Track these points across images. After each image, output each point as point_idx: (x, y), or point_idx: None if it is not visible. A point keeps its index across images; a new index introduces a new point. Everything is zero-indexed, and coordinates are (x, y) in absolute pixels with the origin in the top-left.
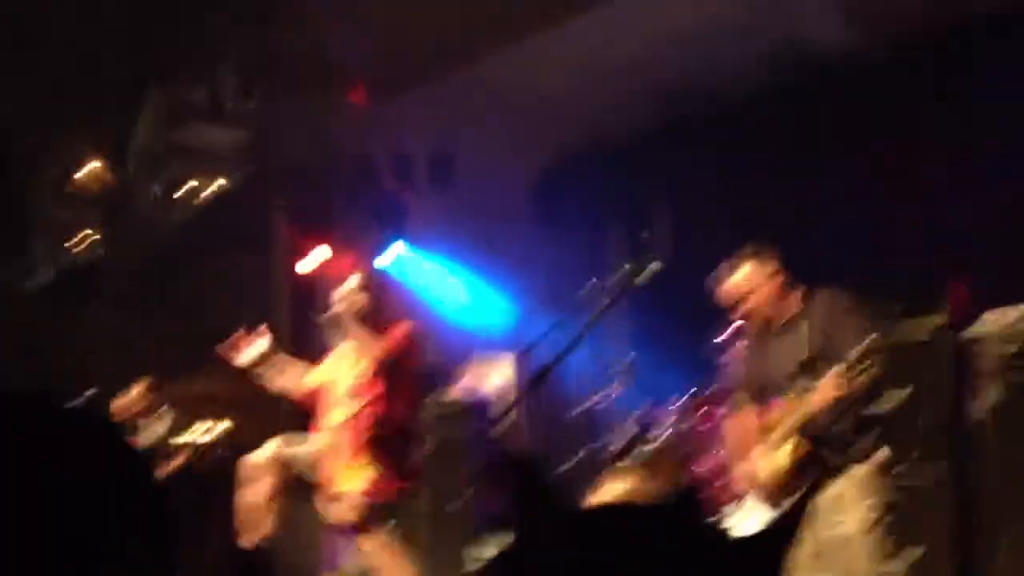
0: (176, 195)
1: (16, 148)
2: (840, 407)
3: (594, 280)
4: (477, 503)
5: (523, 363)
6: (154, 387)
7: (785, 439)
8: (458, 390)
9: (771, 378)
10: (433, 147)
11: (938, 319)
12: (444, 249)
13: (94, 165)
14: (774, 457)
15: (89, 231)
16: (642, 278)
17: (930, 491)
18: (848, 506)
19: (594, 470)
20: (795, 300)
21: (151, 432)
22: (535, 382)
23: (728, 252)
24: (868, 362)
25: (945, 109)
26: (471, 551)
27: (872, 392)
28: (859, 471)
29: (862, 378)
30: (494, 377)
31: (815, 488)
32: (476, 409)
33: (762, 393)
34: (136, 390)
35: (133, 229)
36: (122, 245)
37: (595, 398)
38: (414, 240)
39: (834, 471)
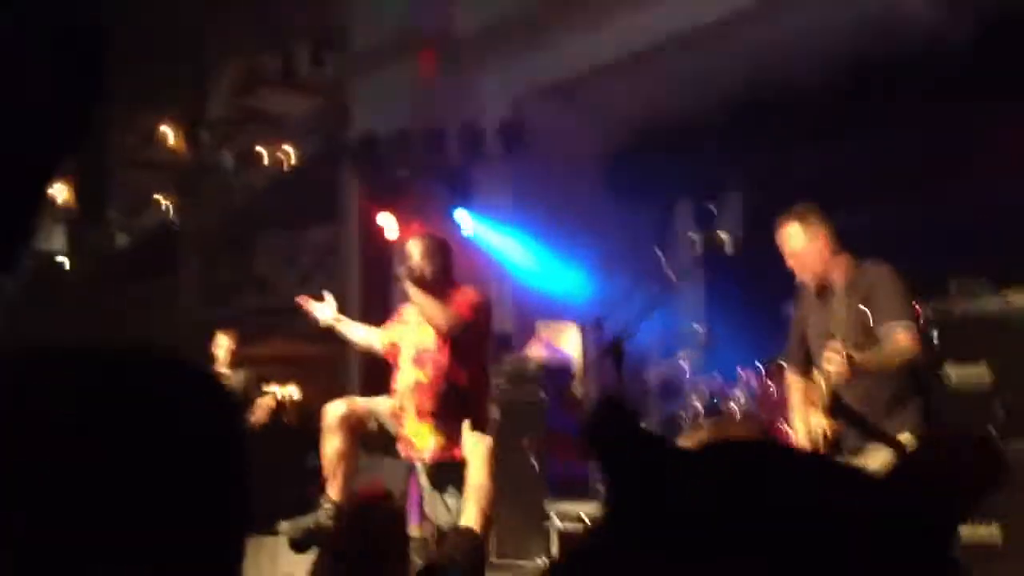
0: (249, 163)
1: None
2: (862, 386)
3: (663, 251)
4: (551, 464)
5: (592, 332)
6: (235, 342)
7: (816, 411)
8: (534, 352)
9: (813, 344)
10: (503, 117)
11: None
12: (512, 218)
13: (169, 133)
14: (809, 428)
15: (164, 199)
16: (715, 248)
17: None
18: None
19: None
20: (842, 266)
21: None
22: (611, 351)
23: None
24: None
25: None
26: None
27: (908, 370)
28: (880, 456)
29: (868, 359)
30: (561, 345)
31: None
32: (552, 371)
33: (807, 359)
34: (220, 341)
35: (208, 197)
36: (197, 213)
37: (667, 366)
38: (482, 209)
39: (855, 451)
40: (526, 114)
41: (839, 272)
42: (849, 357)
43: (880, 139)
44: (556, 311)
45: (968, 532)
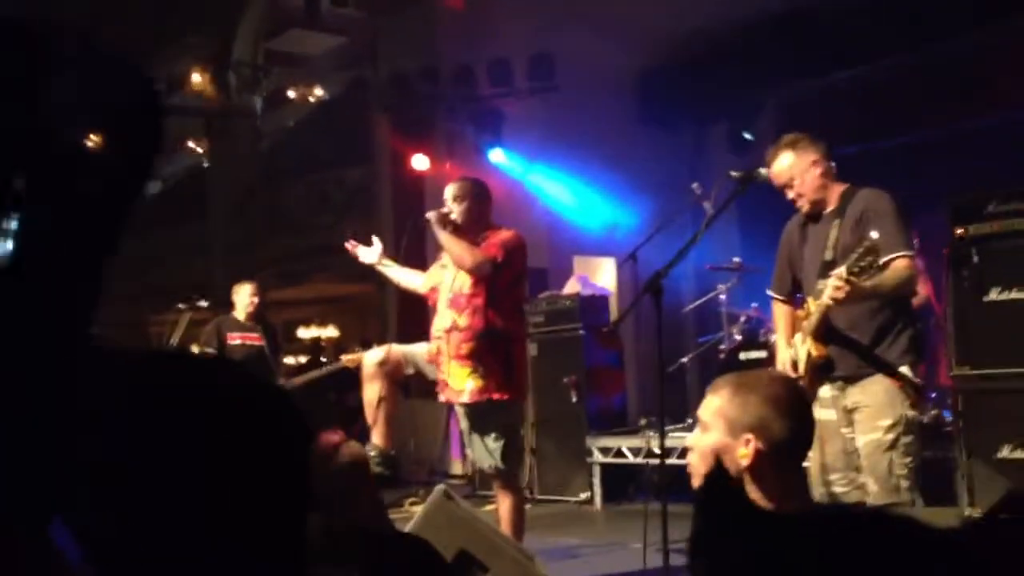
0: (278, 106)
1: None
2: (854, 313)
3: (696, 184)
4: (590, 400)
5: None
6: (259, 290)
7: (806, 338)
8: (571, 288)
9: (806, 270)
10: (532, 50)
11: None
12: (545, 153)
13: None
14: (801, 353)
15: (194, 144)
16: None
17: None
18: (864, 420)
19: (705, 368)
20: (837, 192)
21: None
22: (650, 286)
23: (834, 149)
24: (869, 262)
25: None
26: (587, 447)
27: (900, 300)
28: (879, 383)
29: (865, 281)
30: (597, 280)
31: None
32: (589, 306)
33: (792, 287)
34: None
35: (238, 141)
36: (227, 157)
37: (705, 299)
38: (515, 145)
39: (852, 379)
40: (554, 46)
41: (835, 198)
42: (849, 282)
43: (917, 60)
44: (591, 246)
45: None
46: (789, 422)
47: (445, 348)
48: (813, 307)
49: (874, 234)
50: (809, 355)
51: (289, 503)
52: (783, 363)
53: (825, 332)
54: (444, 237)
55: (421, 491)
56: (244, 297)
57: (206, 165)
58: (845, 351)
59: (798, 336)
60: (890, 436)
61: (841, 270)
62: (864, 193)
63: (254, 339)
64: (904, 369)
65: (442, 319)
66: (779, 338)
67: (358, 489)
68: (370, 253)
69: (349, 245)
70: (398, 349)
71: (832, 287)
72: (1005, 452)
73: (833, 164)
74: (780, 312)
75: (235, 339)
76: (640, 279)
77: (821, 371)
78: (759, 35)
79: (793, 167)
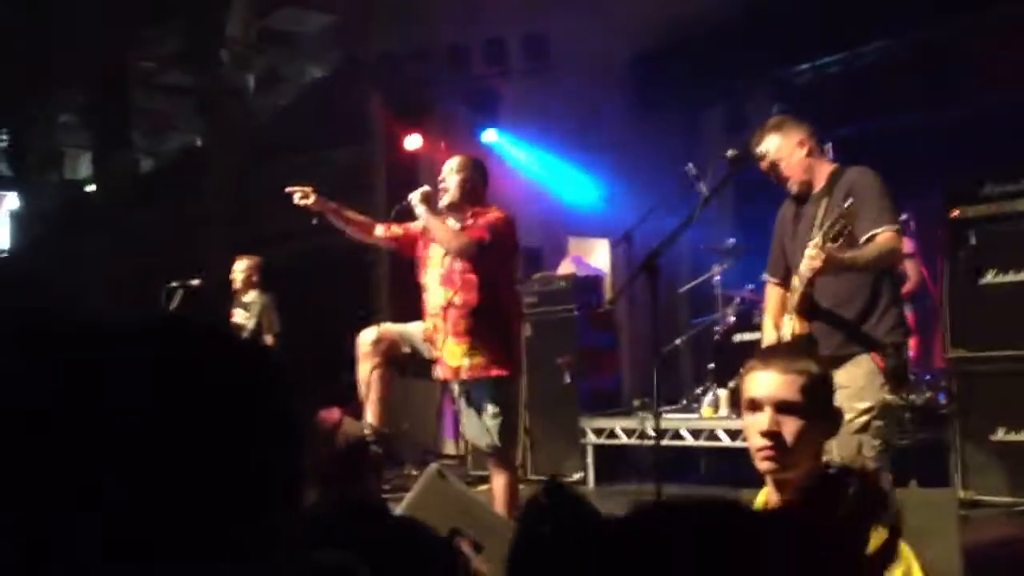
0: (271, 85)
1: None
2: (839, 289)
3: (691, 165)
4: (583, 380)
5: (622, 247)
6: (255, 266)
7: (790, 316)
8: (565, 268)
9: (796, 250)
10: (527, 30)
11: None
12: (539, 134)
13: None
14: (786, 332)
15: (188, 122)
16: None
17: None
18: (842, 401)
19: (699, 349)
20: (825, 172)
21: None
22: (644, 267)
23: (829, 132)
24: (843, 226)
25: None
26: (579, 428)
27: (884, 278)
28: (862, 366)
29: (844, 253)
30: (591, 260)
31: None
32: (583, 287)
33: (788, 271)
34: (238, 266)
35: (231, 120)
36: (221, 136)
37: (700, 280)
38: (509, 125)
39: (836, 360)
40: (549, 26)
41: (823, 178)
42: (825, 249)
43: (910, 42)
44: (585, 226)
45: None
46: None
47: (442, 325)
48: (796, 283)
49: (848, 202)
50: (793, 334)
51: (285, 476)
52: (770, 340)
53: (808, 308)
54: (428, 218)
55: (414, 471)
56: (241, 271)
57: (199, 143)
58: (830, 328)
59: (786, 317)
60: (863, 419)
61: (816, 239)
62: (850, 171)
63: (245, 316)
64: (890, 348)
65: (435, 296)
66: (767, 319)
67: (357, 467)
68: (310, 200)
69: (294, 194)
70: (393, 328)
71: (808, 257)
72: (1000, 435)
73: (828, 145)
74: (772, 294)
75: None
76: (635, 260)
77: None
78: (754, 17)
79: (780, 149)
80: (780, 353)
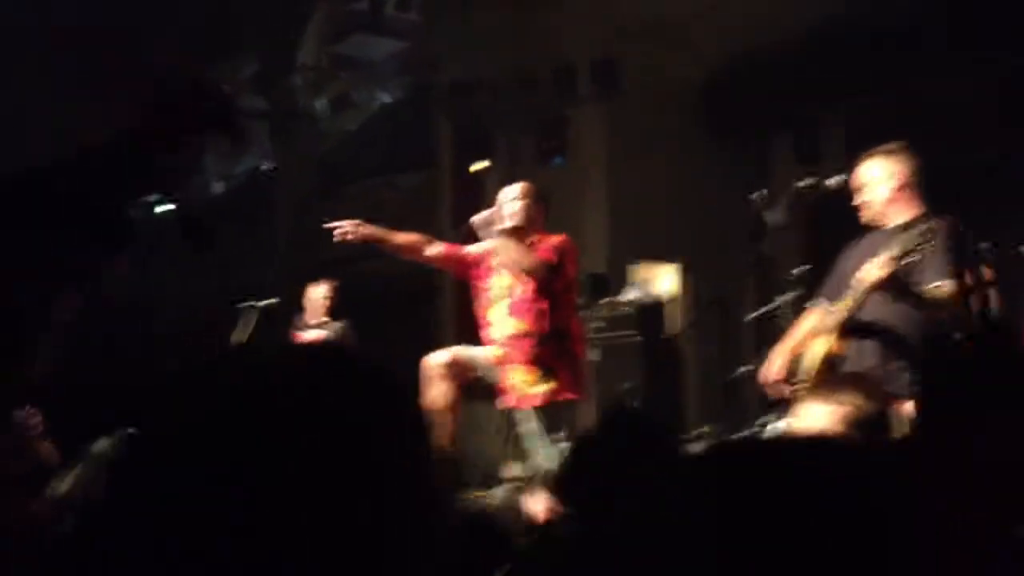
0: (342, 110)
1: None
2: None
3: (763, 191)
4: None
5: (688, 273)
6: (334, 291)
7: (828, 334)
8: (631, 293)
9: (846, 278)
10: (596, 57)
11: None
12: (607, 160)
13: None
14: (814, 353)
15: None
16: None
17: None
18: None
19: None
20: (910, 213)
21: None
22: (716, 301)
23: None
24: (925, 241)
25: None
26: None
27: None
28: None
29: (906, 280)
30: (660, 285)
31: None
32: (650, 312)
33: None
34: (313, 292)
35: (301, 144)
36: (291, 160)
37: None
38: (577, 152)
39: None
40: (618, 53)
41: (904, 215)
42: (893, 267)
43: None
44: (652, 252)
45: None
46: None
47: (511, 354)
48: (843, 303)
49: (929, 224)
50: (827, 353)
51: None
52: (769, 368)
53: (851, 327)
54: (499, 241)
55: (477, 493)
56: (317, 297)
57: (266, 167)
58: (857, 359)
59: (818, 339)
60: None
61: (893, 250)
62: (936, 219)
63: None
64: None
65: (504, 326)
66: (787, 341)
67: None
68: (349, 235)
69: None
70: (464, 352)
71: (875, 266)
72: None
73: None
74: (809, 320)
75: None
76: (700, 287)
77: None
78: (825, 47)
79: (872, 174)
80: (829, 385)
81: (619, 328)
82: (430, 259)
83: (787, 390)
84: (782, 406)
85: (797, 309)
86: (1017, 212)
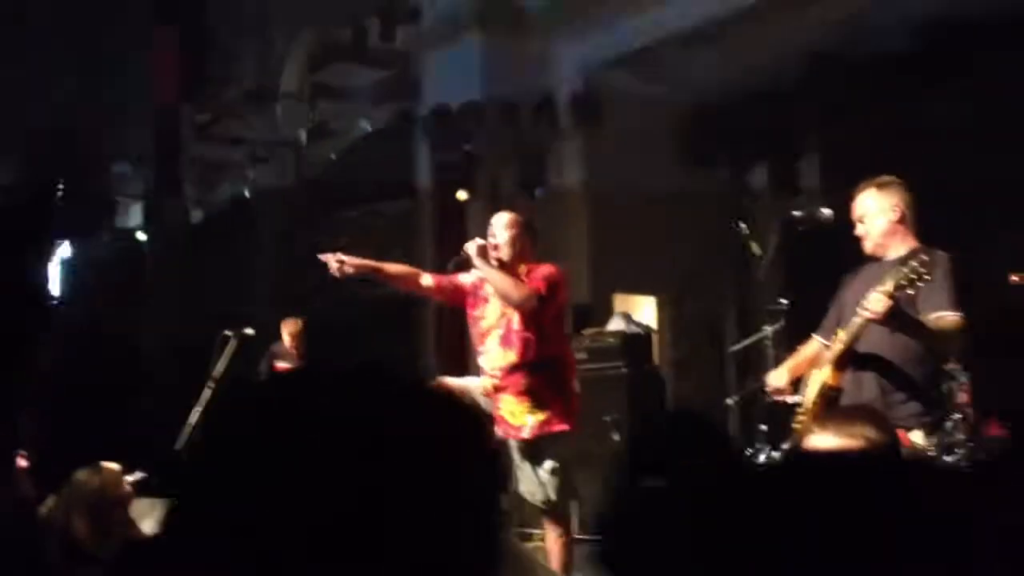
0: (323, 138)
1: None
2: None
3: (741, 223)
4: (632, 438)
5: (671, 304)
6: (303, 330)
7: (827, 366)
8: (614, 324)
9: (848, 311)
10: (576, 89)
11: None
12: (587, 190)
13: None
14: (814, 385)
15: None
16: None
17: None
18: None
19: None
20: (906, 245)
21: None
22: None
23: None
24: (919, 274)
25: None
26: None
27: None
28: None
29: (905, 311)
30: (640, 317)
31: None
32: (633, 343)
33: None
34: (288, 329)
35: (282, 172)
36: (271, 188)
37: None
38: (557, 181)
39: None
40: (599, 85)
41: (901, 248)
42: (893, 297)
43: (960, 101)
44: (633, 283)
45: None
46: None
47: (502, 385)
48: (841, 335)
49: (925, 257)
50: (823, 386)
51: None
52: (778, 377)
53: (848, 361)
54: (488, 271)
55: None
56: (292, 330)
57: (247, 195)
58: (856, 391)
59: (815, 372)
60: None
61: (887, 285)
62: (933, 252)
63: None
64: (915, 434)
65: (494, 356)
66: (787, 363)
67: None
68: (346, 268)
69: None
70: (454, 382)
71: (873, 299)
72: None
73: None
74: (809, 348)
75: (283, 368)
76: (683, 317)
77: (831, 406)
78: (803, 74)
79: (870, 206)
80: (837, 416)
81: (601, 359)
82: (425, 289)
83: (791, 398)
84: (775, 436)
85: (781, 340)
86: (995, 239)
